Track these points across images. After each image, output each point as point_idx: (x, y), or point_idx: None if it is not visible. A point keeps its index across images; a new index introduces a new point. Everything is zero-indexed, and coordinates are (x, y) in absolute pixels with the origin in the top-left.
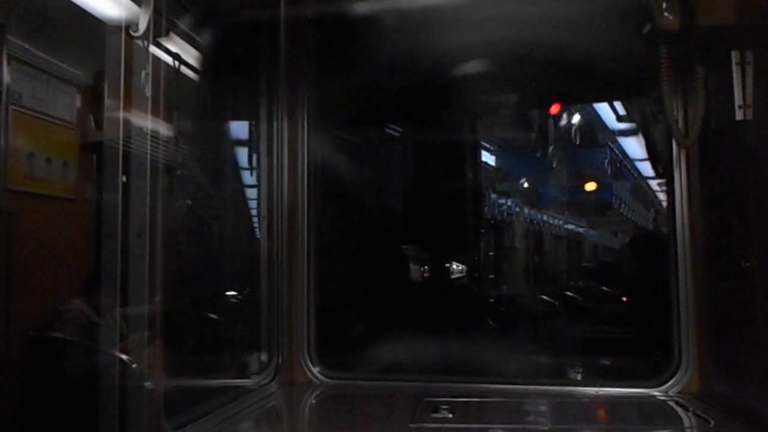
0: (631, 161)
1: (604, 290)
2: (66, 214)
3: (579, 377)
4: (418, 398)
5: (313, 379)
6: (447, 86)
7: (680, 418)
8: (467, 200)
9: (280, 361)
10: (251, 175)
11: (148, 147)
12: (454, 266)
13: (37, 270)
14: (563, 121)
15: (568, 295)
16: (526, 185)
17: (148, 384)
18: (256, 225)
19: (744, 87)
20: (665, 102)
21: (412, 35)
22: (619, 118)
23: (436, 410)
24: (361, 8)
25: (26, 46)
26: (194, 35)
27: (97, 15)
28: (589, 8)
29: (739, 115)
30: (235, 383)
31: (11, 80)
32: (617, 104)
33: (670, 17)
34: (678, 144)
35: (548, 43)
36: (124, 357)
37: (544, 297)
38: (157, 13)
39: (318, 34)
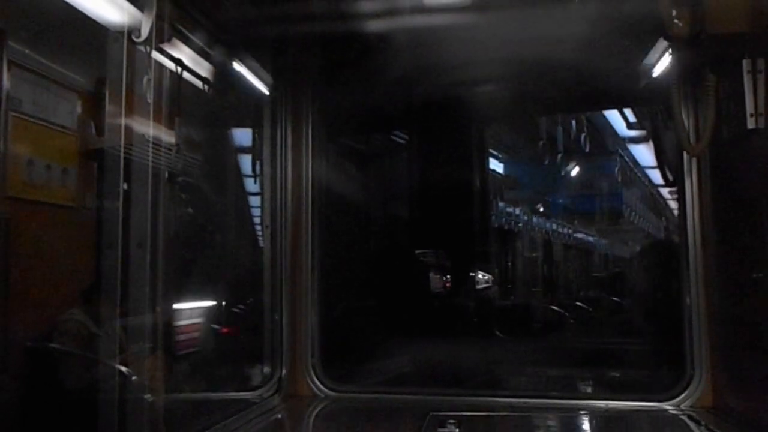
0: (643, 170)
1: (615, 301)
2: (66, 223)
3: (589, 390)
4: (425, 412)
5: (317, 392)
6: (452, 98)
7: None
8: (474, 210)
9: (283, 373)
10: (255, 184)
11: (150, 155)
12: (460, 278)
13: (36, 279)
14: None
15: (579, 306)
16: (534, 194)
17: (148, 396)
18: (259, 235)
19: (755, 95)
20: (675, 110)
21: (417, 49)
22: (630, 127)
23: (443, 425)
24: (366, 21)
25: (27, 51)
26: (198, 43)
27: (99, 21)
28: (600, 17)
29: (750, 124)
30: (238, 396)
31: (11, 86)
32: (628, 113)
33: (681, 25)
34: (687, 152)
35: (557, 53)
36: (124, 369)
37: (554, 308)
38: (159, 19)
39: (323, 45)
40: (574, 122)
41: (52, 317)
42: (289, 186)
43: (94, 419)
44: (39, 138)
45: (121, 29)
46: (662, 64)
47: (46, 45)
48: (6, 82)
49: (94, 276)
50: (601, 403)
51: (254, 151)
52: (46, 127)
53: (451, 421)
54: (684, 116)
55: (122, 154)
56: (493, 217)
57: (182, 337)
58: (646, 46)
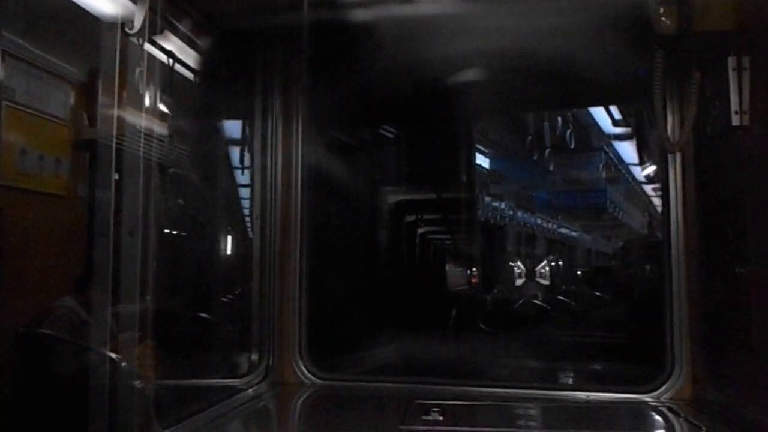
0: (628, 167)
1: (597, 295)
2: (57, 211)
3: (570, 382)
4: (409, 400)
5: (304, 379)
6: (441, 91)
7: (672, 424)
8: (460, 202)
9: (270, 361)
10: (245, 174)
11: (141, 145)
12: (447, 268)
13: (27, 266)
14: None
15: (561, 300)
16: (519, 189)
17: (138, 383)
18: (248, 225)
19: (740, 93)
20: (656, 106)
21: (407, 41)
22: (615, 124)
23: (427, 413)
24: (357, 13)
25: (21, 41)
26: (190, 35)
27: (92, 12)
28: (585, 12)
29: (735, 121)
30: (226, 383)
31: (5, 76)
32: (613, 109)
33: (668, 22)
34: (666, 148)
35: (543, 48)
36: (114, 356)
37: (536, 301)
38: (152, 11)
39: (314, 36)
40: (559, 119)
41: (43, 304)
42: (279, 177)
43: (83, 405)
44: (32, 128)
45: (114, 20)
46: (648, 61)
47: (39, 35)
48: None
49: (84, 264)
50: (582, 395)
51: (245, 142)
52: (39, 117)
53: (435, 409)
54: (669, 113)
55: (114, 145)
56: (480, 211)
57: (172, 325)
58: (632, 44)
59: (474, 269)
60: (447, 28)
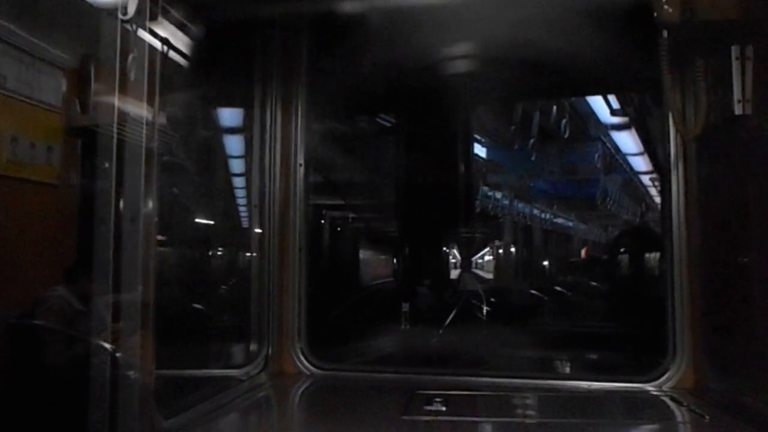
0: (629, 157)
1: (596, 285)
2: (49, 200)
3: (572, 371)
4: (411, 390)
5: (304, 370)
6: (439, 80)
7: (674, 413)
8: (459, 192)
9: (270, 351)
10: (244, 163)
11: (134, 133)
12: (446, 257)
13: (19, 257)
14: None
15: (559, 291)
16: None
17: (132, 373)
18: (247, 214)
19: (743, 81)
20: (666, 94)
21: (405, 29)
22: (614, 113)
23: (429, 403)
24: (355, 2)
25: (11, 27)
26: (187, 22)
27: None
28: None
29: (738, 110)
30: (225, 373)
31: None
32: (612, 99)
33: (671, 10)
34: (682, 136)
35: (546, 35)
36: (108, 346)
37: (534, 291)
38: None
39: (313, 25)
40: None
41: (29, 294)
42: (278, 166)
43: (84, 396)
44: (23, 115)
45: (108, 6)
46: (652, 49)
47: (31, 21)
48: None
49: (78, 254)
50: (584, 384)
51: (243, 130)
52: (31, 104)
53: (438, 399)
54: (676, 101)
55: (107, 132)
56: (477, 202)
57: (170, 315)
58: (636, 31)
59: (474, 259)
60: (449, 16)
